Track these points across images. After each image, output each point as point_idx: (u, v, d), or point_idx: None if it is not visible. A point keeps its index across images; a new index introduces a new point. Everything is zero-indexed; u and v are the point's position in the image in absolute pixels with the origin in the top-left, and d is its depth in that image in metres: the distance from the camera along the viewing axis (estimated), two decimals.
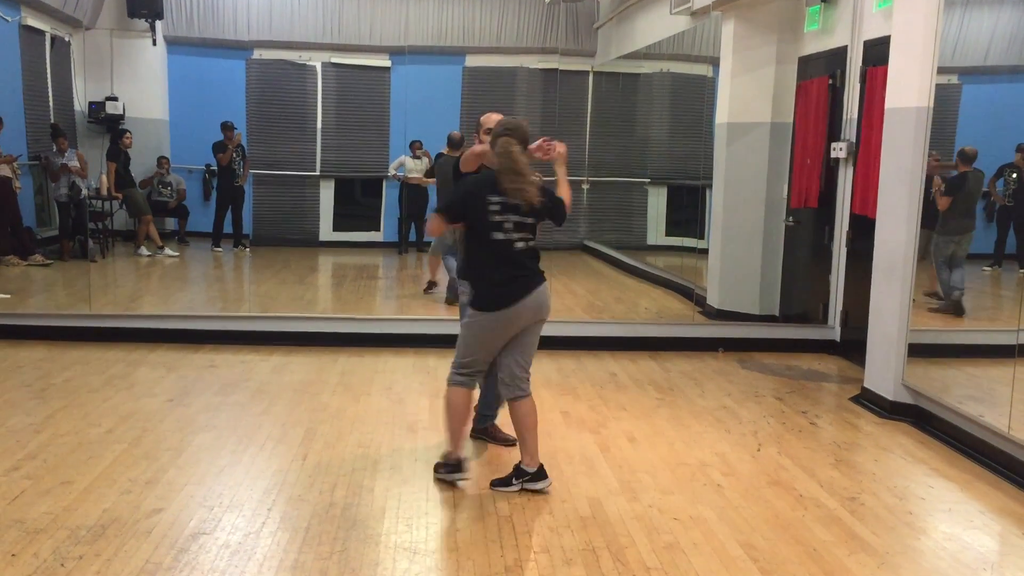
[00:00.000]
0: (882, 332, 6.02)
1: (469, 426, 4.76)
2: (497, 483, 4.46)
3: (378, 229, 13.50)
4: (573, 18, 13.06)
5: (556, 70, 12.42)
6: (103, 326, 7.38)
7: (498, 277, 4.32)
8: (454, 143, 9.18)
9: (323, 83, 13.10)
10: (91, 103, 12.10)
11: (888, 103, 5.98)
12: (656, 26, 10.53)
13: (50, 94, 11.64)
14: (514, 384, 4.43)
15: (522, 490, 4.40)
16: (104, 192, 11.14)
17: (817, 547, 3.89)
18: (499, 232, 4.28)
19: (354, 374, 6.57)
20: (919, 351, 5.86)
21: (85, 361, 6.65)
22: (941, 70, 5.68)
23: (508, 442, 4.98)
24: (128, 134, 11.60)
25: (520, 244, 4.32)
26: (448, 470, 4.50)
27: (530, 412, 4.44)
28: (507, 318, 4.32)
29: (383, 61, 13.13)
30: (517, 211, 4.28)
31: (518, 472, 4.44)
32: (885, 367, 5.98)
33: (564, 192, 4.52)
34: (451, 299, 8.60)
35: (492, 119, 4.76)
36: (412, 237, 12.81)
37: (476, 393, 4.71)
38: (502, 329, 4.35)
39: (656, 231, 12.04)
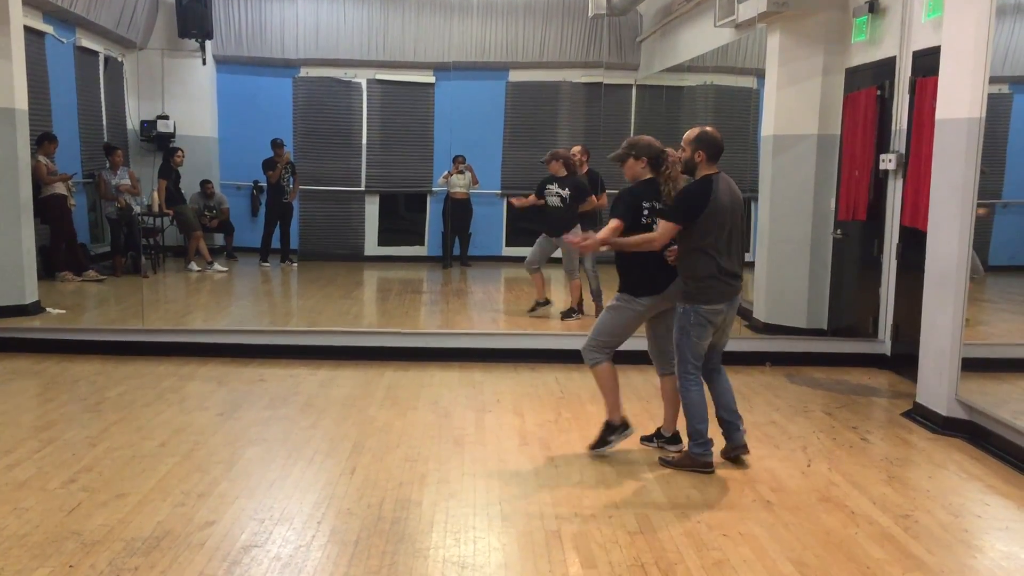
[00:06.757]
0: (935, 346, 5.92)
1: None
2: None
3: (422, 243, 13.62)
4: (616, 32, 13.07)
5: (600, 84, 12.43)
6: (155, 340, 7.51)
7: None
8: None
9: (368, 99, 13.28)
10: (143, 122, 12.39)
11: (939, 114, 5.90)
12: (700, 39, 10.50)
13: (103, 113, 11.93)
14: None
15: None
16: (155, 209, 11.36)
17: (870, 565, 3.83)
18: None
19: (400, 388, 6.61)
20: (973, 365, 5.75)
21: (138, 375, 6.78)
22: (992, 79, 5.59)
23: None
24: (180, 152, 11.80)
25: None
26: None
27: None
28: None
29: (427, 77, 13.27)
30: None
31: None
32: (938, 381, 5.88)
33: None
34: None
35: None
36: (456, 251, 12.88)
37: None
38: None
39: None
